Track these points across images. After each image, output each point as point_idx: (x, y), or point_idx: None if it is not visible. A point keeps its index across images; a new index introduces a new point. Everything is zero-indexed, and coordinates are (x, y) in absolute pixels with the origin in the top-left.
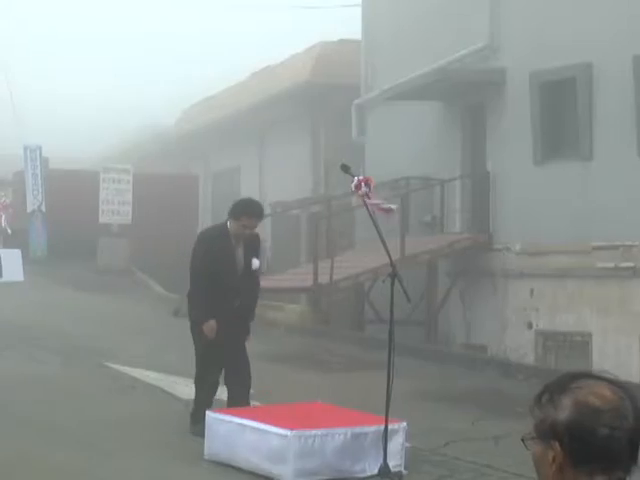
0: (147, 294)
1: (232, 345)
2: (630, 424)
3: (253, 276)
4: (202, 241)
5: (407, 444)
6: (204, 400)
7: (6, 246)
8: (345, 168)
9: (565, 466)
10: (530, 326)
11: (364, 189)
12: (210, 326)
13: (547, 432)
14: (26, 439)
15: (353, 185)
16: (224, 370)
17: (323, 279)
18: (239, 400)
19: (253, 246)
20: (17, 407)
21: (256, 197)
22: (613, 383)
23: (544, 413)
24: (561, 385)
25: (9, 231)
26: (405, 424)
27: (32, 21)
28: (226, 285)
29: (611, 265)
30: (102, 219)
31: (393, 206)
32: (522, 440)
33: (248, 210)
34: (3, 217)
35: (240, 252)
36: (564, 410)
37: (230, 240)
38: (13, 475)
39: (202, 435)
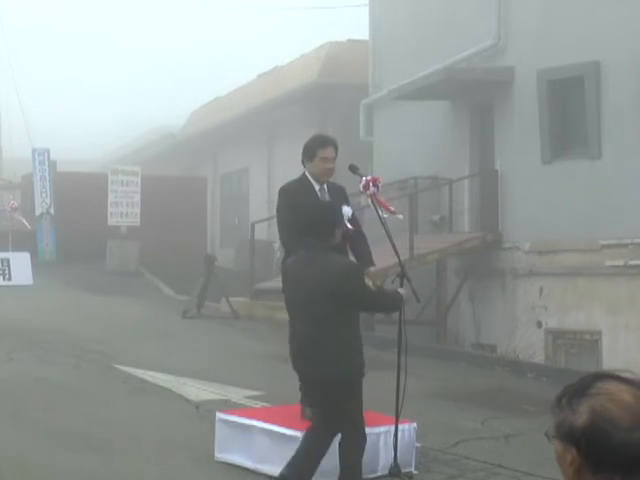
0: (156, 296)
1: None
2: None
3: (353, 224)
4: (285, 195)
5: (417, 444)
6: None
7: (15, 249)
8: (353, 168)
9: (583, 470)
10: (540, 325)
11: (372, 189)
12: None
13: (565, 435)
14: (37, 441)
15: (361, 185)
16: None
17: None
18: None
19: (340, 195)
20: (28, 409)
21: (264, 198)
22: (637, 386)
23: (563, 416)
24: (581, 388)
25: (29, 226)
26: (415, 424)
27: (41, 24)
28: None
29: (620, 263)
30: (111, 221)
31: (400, 216)
32: (545, 434)
33: (319, 140)
34: (21, 215)
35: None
36: (581, 416)
37: (313, 189)
38: (25, 477)
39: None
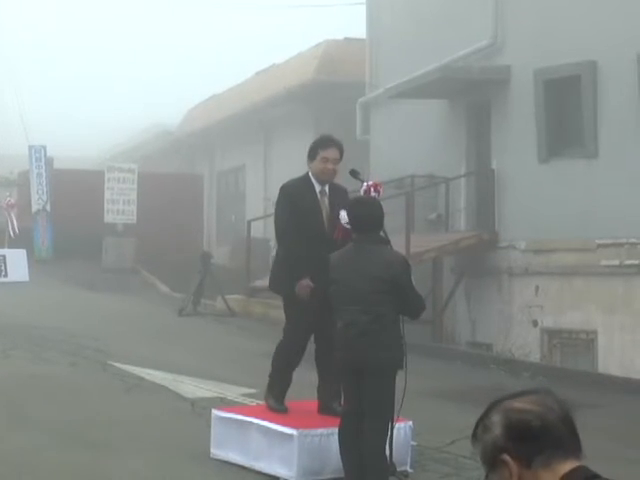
0: (152, 293)
1: (323, 311)
2: (558, 412)
3: (348, 231)
4: (284, 194)
5: (413, 442)
6: (281, 374)
7: (11, 246)
8: (354, 173)
9: (523, 471)
10: (535, 324)
11: (373, 195)
12: (304, 285)
13: (493, 453)
14: (33, 438)
15: (362, 190)
16: (315, 343)
17: None
18: (330, 381)
19: (340, 198)
20: (24, 406)
21: (261, 196)
22: (531, 391)
23: (484, 441)
24: (485, 412)
25: (15, 233)
26: (411, 422)
27: (38, 21)
28: (312, 240)
29: (616, 263)
30: (107, 219)
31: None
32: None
33: (323, 141)
34: (14, 217)
35: (326, 202)
36: (497, 425)
37: (314, 189)
38: (21, 474)
39: (276, 409)
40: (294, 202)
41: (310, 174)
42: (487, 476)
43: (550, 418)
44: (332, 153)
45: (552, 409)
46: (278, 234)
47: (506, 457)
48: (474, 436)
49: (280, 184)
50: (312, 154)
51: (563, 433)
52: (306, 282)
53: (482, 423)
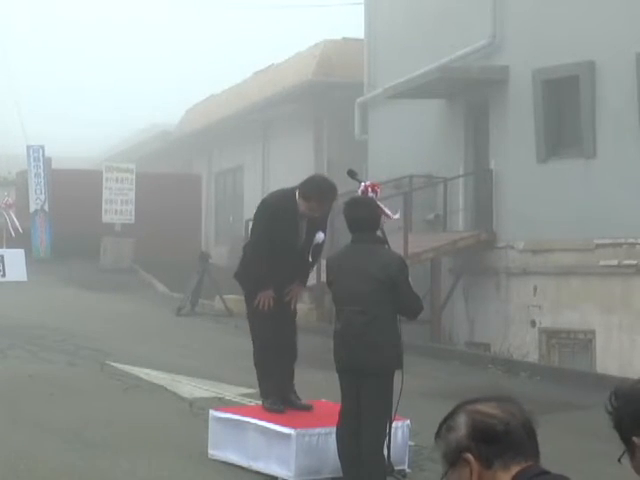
0: (150, 293)
1: (282, 315)
2: (519, 418)
3: (314, 251)
4: (267, 207)
5: (410, 442)
6: (268, 376)
7: (9, 246)
8: (352, 174)
9: (482, 472)
10: (533, 324)
11: (370, 195)
12: (267, 296)
13: (456, 452)
14: (30, 438)
15: (360, 191)
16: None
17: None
18: (286, 376)
19: (321, 217)
20: (22, 406)
21: (259, 196)
22: (495, 397)
23: (448, 440)
24: (450, 414)
25: (18, 232)
26: (408, 421)
27: (38, 21)
28: (282, 257)
29: (614, 263)
30: (105, 219)
31: (395, 216)
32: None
33: (321, 195)
34: (14, 217)
35: (303, 225)
36: (462, 426)
37: (296, 211)
38: (17, 474)
39: (273, 410)
40: (275, 217)
41: (297, 196)
42: (446, 473)
43: (512, 423)
44: (325, 207)
45: (514, 415)
46: (252, 242)
47: (469, 456)
48: (438, 435)
49: (278, 184)
50: (307, 195)
51: (523, 438)
52: (269, 293)
53: (446, 423)
